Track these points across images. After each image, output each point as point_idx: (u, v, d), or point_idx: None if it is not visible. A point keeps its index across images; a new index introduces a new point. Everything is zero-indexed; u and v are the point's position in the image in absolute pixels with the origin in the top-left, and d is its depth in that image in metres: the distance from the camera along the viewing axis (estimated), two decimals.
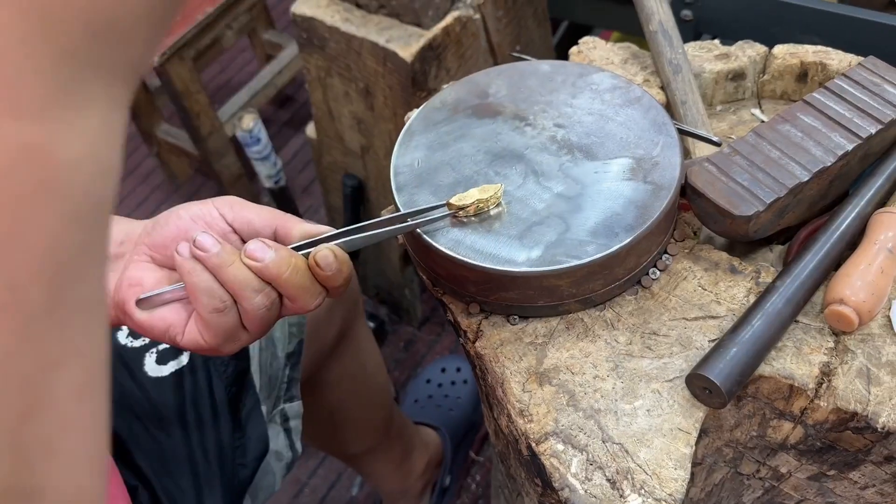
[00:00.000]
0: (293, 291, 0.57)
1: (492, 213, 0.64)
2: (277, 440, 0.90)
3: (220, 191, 1.84)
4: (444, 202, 0.63)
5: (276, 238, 0.60)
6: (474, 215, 0.64)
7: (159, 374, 0.82)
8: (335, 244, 0.58)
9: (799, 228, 0.70)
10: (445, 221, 0.64)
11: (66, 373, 0.26)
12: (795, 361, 0.60)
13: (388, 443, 1.24)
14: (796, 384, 0.60)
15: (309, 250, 0.58)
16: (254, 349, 0.88)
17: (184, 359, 0.83)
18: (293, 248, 0.58)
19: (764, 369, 0.60)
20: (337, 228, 0.60)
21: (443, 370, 1.53)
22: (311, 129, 1.48)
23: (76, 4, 0.22)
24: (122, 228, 0.60)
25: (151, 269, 0.59)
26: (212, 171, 1.78)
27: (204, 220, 0.59)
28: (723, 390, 0.55)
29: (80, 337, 0.27)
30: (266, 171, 1.52)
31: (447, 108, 0.72)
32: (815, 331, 0.62)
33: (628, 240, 0.62)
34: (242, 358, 0.87)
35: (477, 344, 0.66)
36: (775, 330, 0.59)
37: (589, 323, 0.65)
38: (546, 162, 0.67)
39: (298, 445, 0.93)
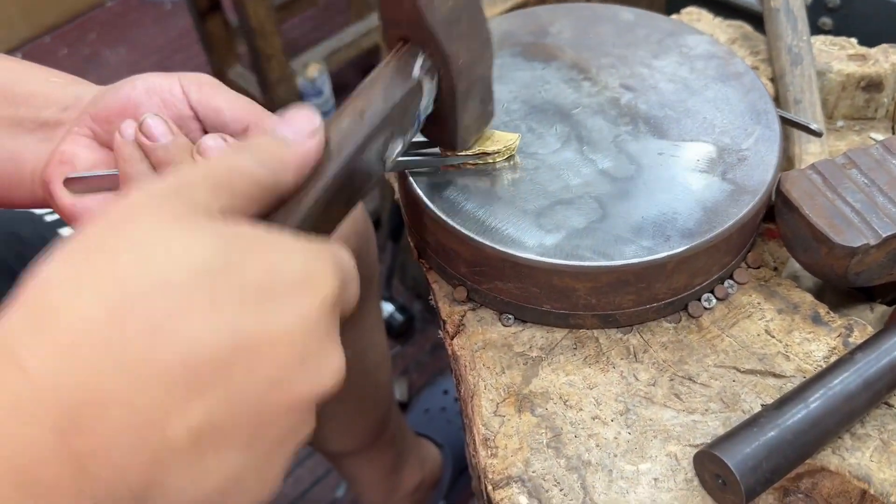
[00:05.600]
0: None
1: (500, 170, 0.49)
2: None
3: None
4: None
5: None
6: (473, 166, 0.48)
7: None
8: None
9: None
10: (440, 172, 0.49)
11: None
12: (877, 459, 0.43)
13: (376, 449, 1.08)
14: (872, 490, 0.42)
15: None
16: None
17: None
18: None
19: (831, 460, 0.43)
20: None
21: None
22: None
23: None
24: (73, 92, 0.49)
25: (89, 147, 0.47)
26: None
27: (161, 97, 0.47)
28: (741, 486, 0.38)
29: None
30: None
31: None
32: None
33: (682, 248, 0.45)
34: None
35: (455, 341, 0.50)
36: (838, 418, 0.41)
37: (605, 345, 0.48)
38: (598, 128, 0.51)
39: None
